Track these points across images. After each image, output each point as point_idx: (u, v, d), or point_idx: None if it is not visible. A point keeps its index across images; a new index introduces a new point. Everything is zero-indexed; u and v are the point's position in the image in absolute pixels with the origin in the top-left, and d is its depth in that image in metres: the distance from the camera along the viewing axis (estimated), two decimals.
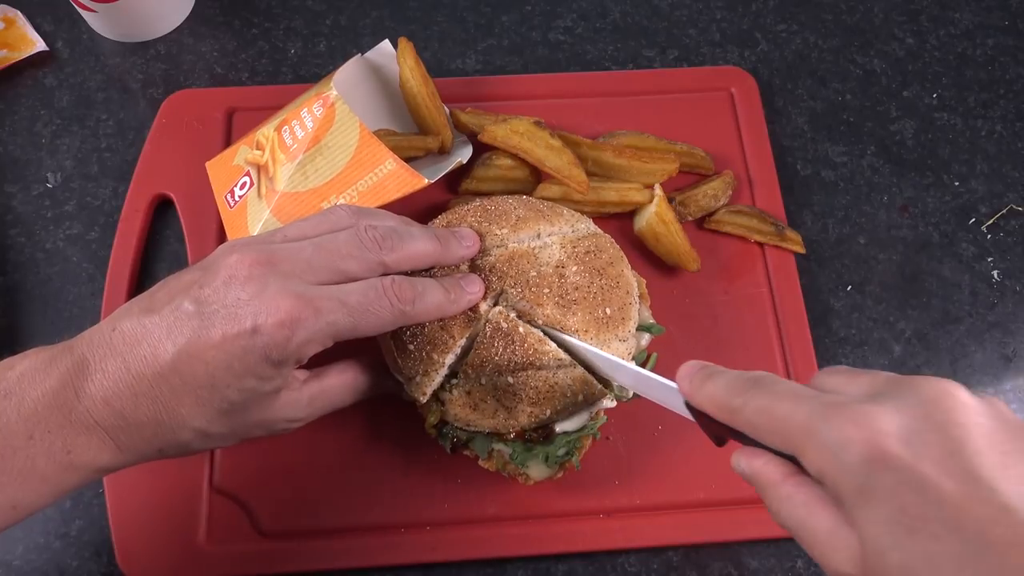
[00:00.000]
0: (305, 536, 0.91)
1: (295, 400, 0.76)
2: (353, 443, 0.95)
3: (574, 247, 0.86)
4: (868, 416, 0.55)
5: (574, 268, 0.85)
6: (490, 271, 0.84)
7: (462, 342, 0.83)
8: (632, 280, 0.88)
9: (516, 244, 0.86)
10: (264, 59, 1.21)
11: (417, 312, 0.76)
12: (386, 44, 1.08)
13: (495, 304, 0.84)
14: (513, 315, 0.82)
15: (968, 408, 0.54)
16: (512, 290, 0.83)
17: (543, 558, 0.93)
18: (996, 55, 1.24)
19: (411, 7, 1.26)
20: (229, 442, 0.75)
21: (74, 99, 1.17)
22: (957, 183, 1.15)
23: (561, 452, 0.86)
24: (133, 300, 0.73)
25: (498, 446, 0.87)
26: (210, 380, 0.68)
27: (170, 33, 1.22)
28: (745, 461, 0.62)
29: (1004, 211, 1.13)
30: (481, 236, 0.87)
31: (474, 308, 0.83)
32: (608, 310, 0.84)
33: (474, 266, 0.85)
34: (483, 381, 0.82)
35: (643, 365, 0.89)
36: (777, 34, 1.25)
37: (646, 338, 0.91)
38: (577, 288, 0.84)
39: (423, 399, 0.84)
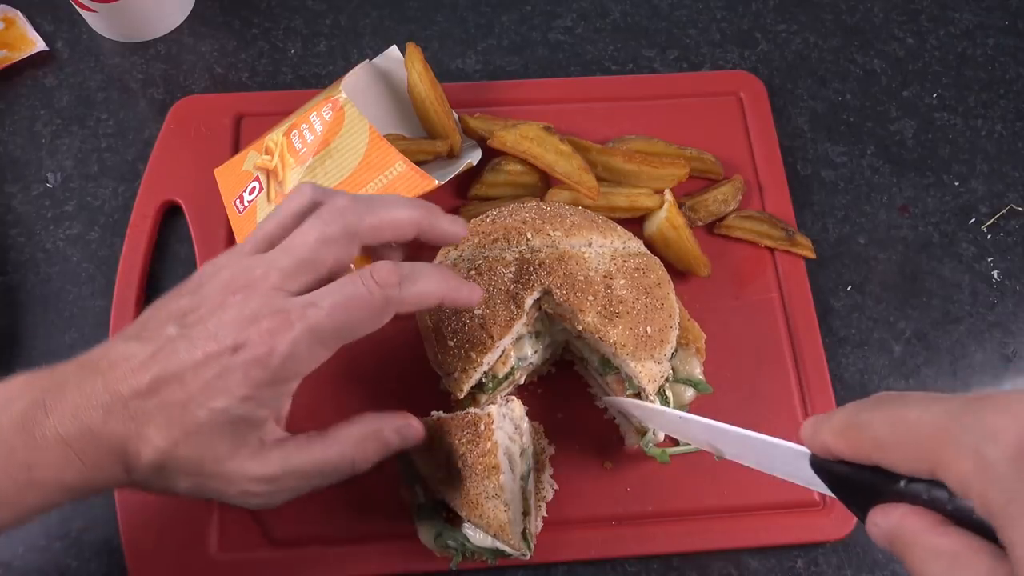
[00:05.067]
0: (317, 543, 0.91)
1: (264, 455, 0.72)
2: None
3: (624, 261, 0.87)
4: (1020, 401, 0.45)
5: (622, 281, 0.85)
6: (539, 266, 0.85)
7: (502, 342, 0.84)
8: (675, 306, 0.89)
9: (567, 247, 0.87)
10: (264, 59, 1.20)
11: (407, 295, 0.71)
12: (394, 49, 1.07)
13: (539, 306, 0.86)
14: (495, 418, 0.80)
15: None
16: (558, 291, 0.84)
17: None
18: (996, 55, 1.25)
19: (411, 7, 1.25)
20: (185, 482, 0.70)
21: (74, 99, 1.16)
22: (957, 183, 1.15)
23: (451, 543, 0.84)
24: (126, 328, 0.72)
25: (417, 488, 0.85)
26: (185, 399, 0.66)
27: (170, 33, 1.21)
28: (881, 517, 0.51)
29: (1004, 211, 1.14)
30: (534, 233, 0.87)
31: (519, 303, 0.84)
32: (649, 329, 0.84)
33: (523, 259, 0.86)
34: (445, 440, 0.81)
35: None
36: (777, 34, 1.25)
37: (690, 392, 0.91)
38: (622, 301, 0.84)
39: (460, 395, 0.85)
